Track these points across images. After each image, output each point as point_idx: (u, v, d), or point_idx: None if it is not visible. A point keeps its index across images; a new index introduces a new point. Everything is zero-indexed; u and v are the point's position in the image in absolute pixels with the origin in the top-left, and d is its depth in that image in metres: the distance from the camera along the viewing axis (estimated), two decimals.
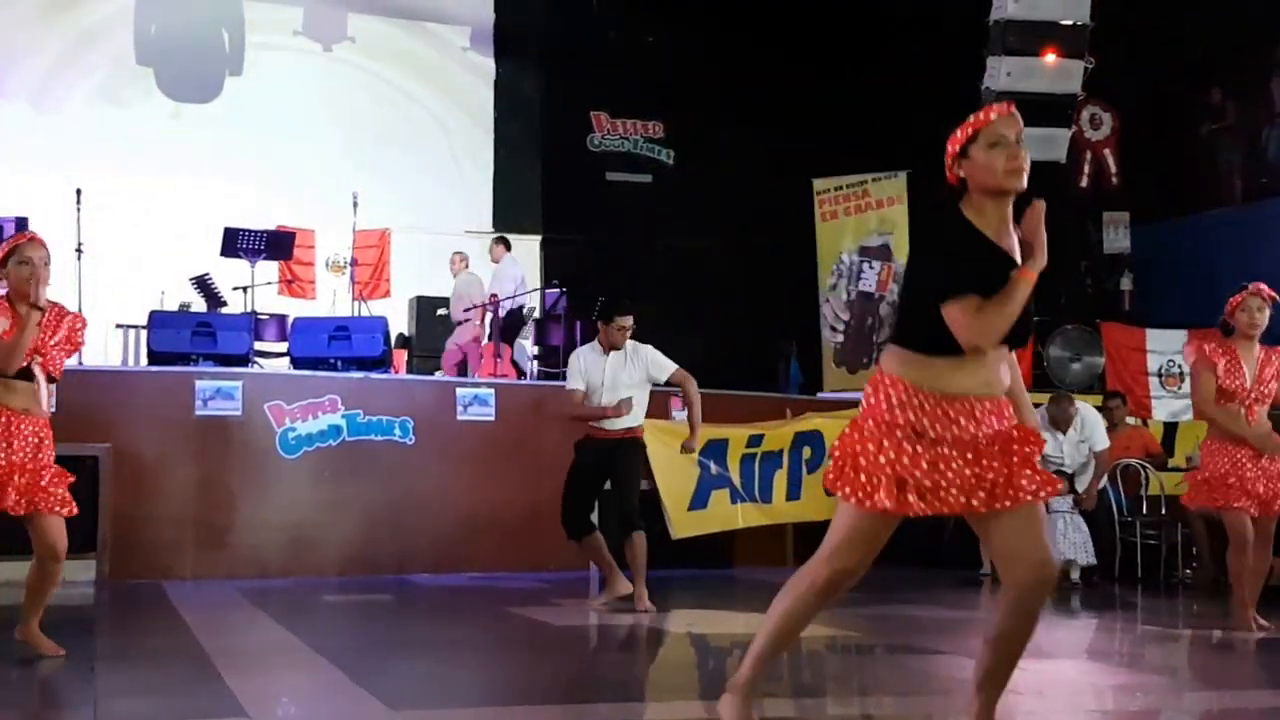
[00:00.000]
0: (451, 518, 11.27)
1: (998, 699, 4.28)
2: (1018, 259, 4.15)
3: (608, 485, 9.09)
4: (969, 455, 4.06)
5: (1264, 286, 7.75)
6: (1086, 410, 11.36)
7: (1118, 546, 11.24)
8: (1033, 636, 4.22)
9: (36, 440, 6.07)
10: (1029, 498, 4.07)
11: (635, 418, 8.99)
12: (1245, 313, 7.68)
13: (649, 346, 9.00)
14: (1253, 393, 7.67)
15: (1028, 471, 4.08)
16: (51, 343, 6.06)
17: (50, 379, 6.12)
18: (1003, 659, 4.21)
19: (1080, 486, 11.07)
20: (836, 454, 4.19)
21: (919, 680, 6.22)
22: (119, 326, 13.04)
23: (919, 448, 4.04)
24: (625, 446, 8.93)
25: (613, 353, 8.91)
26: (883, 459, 4.06)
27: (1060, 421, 11.20)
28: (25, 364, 6.00)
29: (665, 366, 8.97)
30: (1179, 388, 12.75)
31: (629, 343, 8.97)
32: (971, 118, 4.18)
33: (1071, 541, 10.87)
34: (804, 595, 4.36)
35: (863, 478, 4.09)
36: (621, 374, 8.89)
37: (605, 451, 8.89)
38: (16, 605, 6.31)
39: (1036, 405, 11.47)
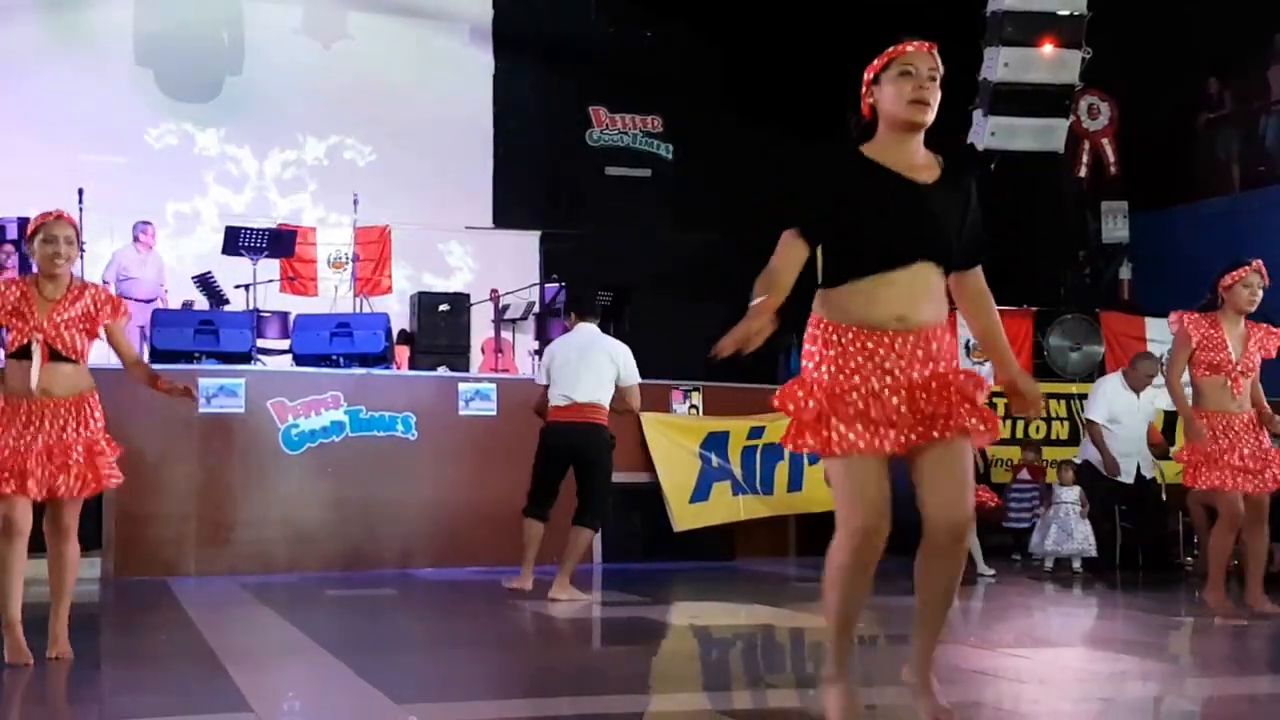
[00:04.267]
0: (454, 512, 11.30)
1: (932, 648, 4.29)
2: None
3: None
4: (901, 393, 4.06)
5: (1262, 264, 7.80)
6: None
7: (1118, 534, 11.26)
8: (954, 584, 4.22)
9: (61, 422, 6.02)
10: (963, 429, 4.07)
11: None
12: (1247, 288, 7.70)
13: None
14: (1239, 365, 7.72)
15: (967, 406, 4.08)
16: (58, 319, 6.05)
17: (59, 356, 6.02)
18: (927, 605, 4.22)
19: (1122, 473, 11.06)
20: (781, 405, 4.20)
21: None
22: None
23: (844, 377, 4.07)
24: None
25: None
26: (811, 403, 4.10)
27: (1139, 381, 11.04)
28: (25, 342, 6.01)
29: None
30: None
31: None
32: (890, 48, 4.22)
33: (1078, 533, 10.88)
34: (842, 576, 4.14)
35: (800, 424, 4.13)
36: None
37: None
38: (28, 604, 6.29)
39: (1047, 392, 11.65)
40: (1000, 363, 4.38)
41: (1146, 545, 11.15)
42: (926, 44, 4.22)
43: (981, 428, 4.12)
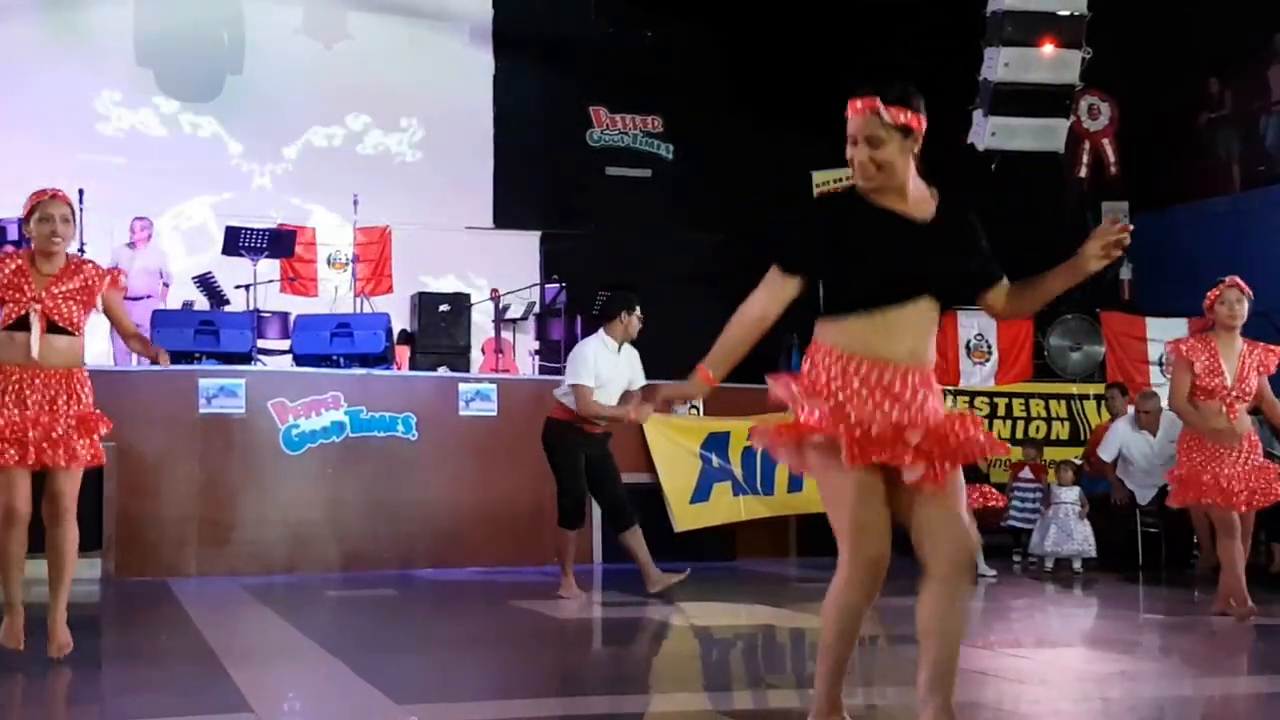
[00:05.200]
0: (454, 512, 11.31)
1: (949, 699, 4.04)
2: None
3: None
4: (902, 417, 4.03)
5: (1239, 279, 7.80)
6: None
7: (1119, 536, 11.28)
8: (966, 624, 4.19)
9: (51, 394, 6.03)
10: (939, 483, 4.05)
11: None
12: (1224, 305, 7.75)
13: (636, 352, 9.25)
14: (1234, 390, 7.71)
15: (947, 465, 4.05)
16: (56, 291, 6.05)
17: (55, 329, 6.05)
18: (941, 654, 4.03)
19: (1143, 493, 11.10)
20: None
21: None
22: None
23: (843, 404, 4.04)
24: (604, 442, 9.23)
25: (624, 351, 9.15)
26: (816, 413, 4.08)
27: (1149, 421, 11.08)
28: (24, 312, 6.02)
29: (641, 376, 9.28)
30: None
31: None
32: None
33: (1078, 533, 10.90)
34: (844, 609, 4.08)
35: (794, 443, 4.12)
36: (622, 371, 9.09)
37: (592, 445, 9.09)
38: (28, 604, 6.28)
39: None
40: (1079, 272, 4.22)
41: (1170, 549, 11.21)
42: (860, 101, 4.09)
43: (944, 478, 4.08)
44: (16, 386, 5.98)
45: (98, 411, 6.19)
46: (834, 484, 4.08)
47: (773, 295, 4.19)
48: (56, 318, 6.04)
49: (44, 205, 6.11)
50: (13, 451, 5.92)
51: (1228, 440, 7.75)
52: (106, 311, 6.30)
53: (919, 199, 4.19)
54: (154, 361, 6.32)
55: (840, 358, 4.10)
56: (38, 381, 6.01)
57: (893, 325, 4.08)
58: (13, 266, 6.08)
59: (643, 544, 9.20)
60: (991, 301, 4.36)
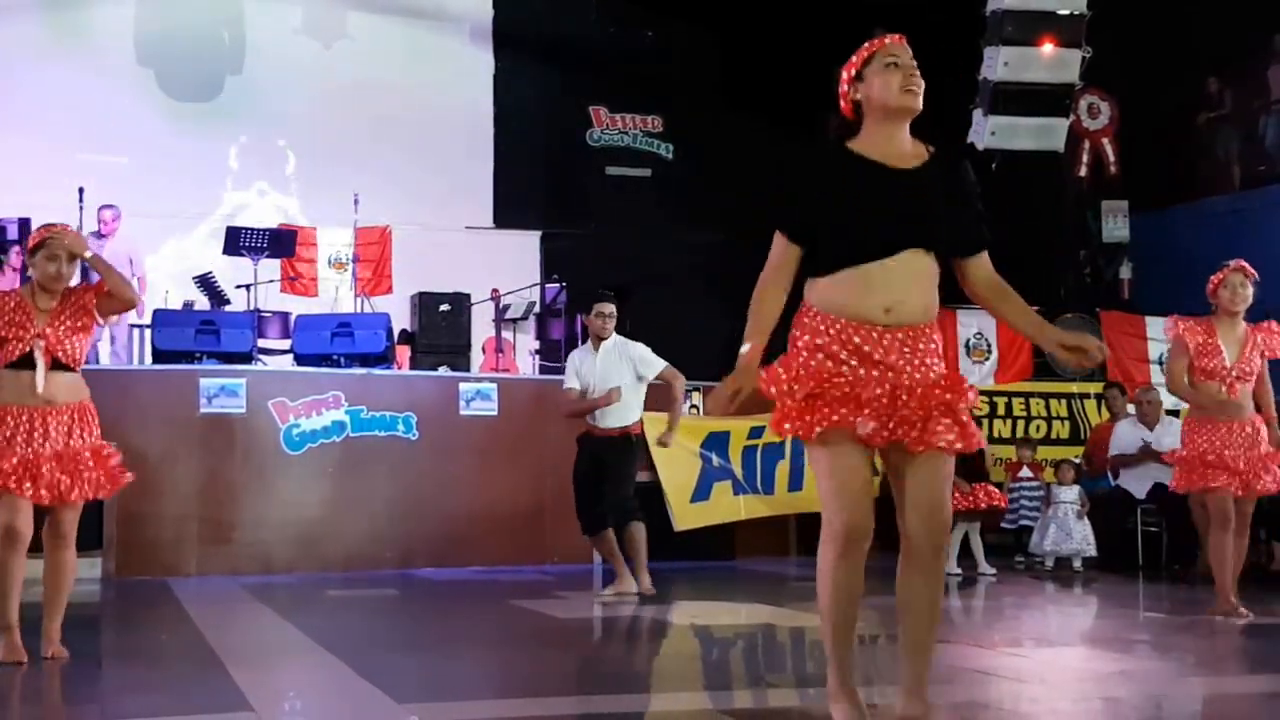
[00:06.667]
0: (455, 512, 11.31)
1: (926, 669, 4.20)
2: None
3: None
4: (887, 387, 4.03)
5: (1245, 263, 7.80)
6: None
7: (1119, 535, 11.27)
8: (939, 597, 4.20)
9: (64, 429, 6.02)
10: (939, 445, 4.05)
11: (628, 415, 9.10)
12: (1228, 289, 7.75)
13: (639, 344, 9.21)
14: (1234, 370, 7.72)
15: (946, 421, 4.05)
16: (59, 326, 6.02)
17: (58, 365, 6.04)
18: (915, 624, 4.15)
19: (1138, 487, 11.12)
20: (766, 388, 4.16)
21: None
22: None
23: (833, 365, 4.07)
24: (617, 445, 9.10)
25: (602, 350, 9.10)
26: (797, 386, 4.08)
27: (1150, 414, 11.09)
28: (27, 350, 6.01)
29: (654, 364, 9.19)
30: None
31: (618, 339, 9.18)
32: (865, 44, 4.28)
33: (1077, 532, 10.92)
34: (831, 574, 4.11)
35: (787, 405, 4.12)
36: (612, 372, 9.06)
37: (599, 449, 9.05)
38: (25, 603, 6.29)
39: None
40: (1039, 337, 4.29)
41: (1176, 547, 11.19)
42: (899, 37, 4.30)
43: (958, 444, 4.07)
44: (27, 425, 5.97)
45: (108, 445, 6.21)
46: (817, 454, 4.12)
47: (787, 263, 4.21)
48: (60, 354, 6.04)
49: (51, 243, 6.09)
50: (29, 486, 5.90)
51: (1230, 413, 7.75)
52: (99, 305, 6.24)
53: (913, 153, 4.25)
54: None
55: (817, 316, 4.15)
56: (50, 418, 6.00)
57: (875, 282, 4.07)
58: (13, 303, 6.06)
59: (613, 549, 9.16)
60: (969, 273, 4.29)
